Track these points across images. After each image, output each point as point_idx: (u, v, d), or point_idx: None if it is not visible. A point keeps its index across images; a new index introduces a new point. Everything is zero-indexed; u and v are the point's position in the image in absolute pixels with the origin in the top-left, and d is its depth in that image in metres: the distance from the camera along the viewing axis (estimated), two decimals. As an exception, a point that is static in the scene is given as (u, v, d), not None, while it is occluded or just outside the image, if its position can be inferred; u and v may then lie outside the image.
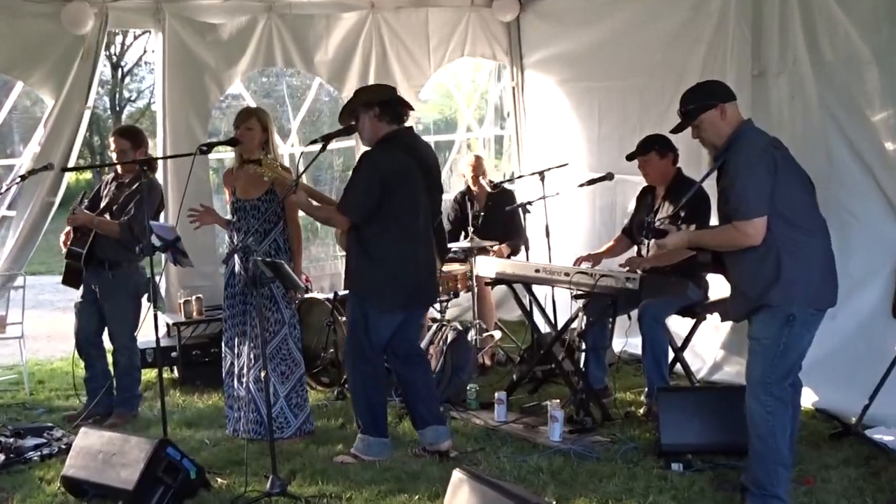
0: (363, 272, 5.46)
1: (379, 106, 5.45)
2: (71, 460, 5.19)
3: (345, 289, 5.95)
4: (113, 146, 6.50)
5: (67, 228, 6.53)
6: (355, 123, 5.51)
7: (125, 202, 6.37)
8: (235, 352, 6.09)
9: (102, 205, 6.51)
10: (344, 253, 5.86)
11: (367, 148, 5.56)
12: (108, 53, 24.69)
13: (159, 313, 5.75)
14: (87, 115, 7.54)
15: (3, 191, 7.14)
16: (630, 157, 6.49)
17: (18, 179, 6.89)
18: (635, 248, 6.75)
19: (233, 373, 6.10)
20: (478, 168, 8.25)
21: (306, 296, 7.26)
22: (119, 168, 6.55)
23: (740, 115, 4.67)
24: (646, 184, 6.66)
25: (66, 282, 6.59)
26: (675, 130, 4.82)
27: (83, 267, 6.42)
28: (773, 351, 4.50)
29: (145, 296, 6.50)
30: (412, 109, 5.66)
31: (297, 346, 6.07)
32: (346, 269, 5.63)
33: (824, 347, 6.03)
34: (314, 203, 5.63)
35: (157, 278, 5.58)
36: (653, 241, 4.82)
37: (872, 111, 5.87)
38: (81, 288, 6.56)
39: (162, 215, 7.70)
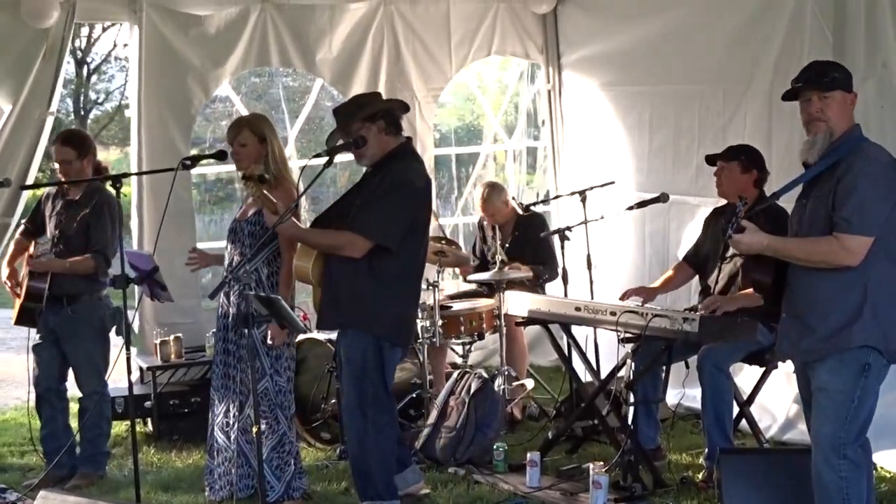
0: (376, 303, 5.54)
1: (384, 118, 5.60)
2: (28, 529, 5.21)
3: (324, 328, 6.03)
4: (55, 156, 6.45)
5: (7, 271, 6.55)
6: (354, 140, 5.57)
7: (83, 225, 6.37)
8: (217, 398, 6.10)
9: (52, 229, 6.47)
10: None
11: (366, 167, 5.72)
12: (72, 48, 24.83)
13: (133, 354, 5.75)
14: (49, 121, 7.59)
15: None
16: (710, 159, 6.49)
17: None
18: (696, 278, 6.78)
19: (215, 421, 6.12)
20: (486, 206, 8.15)
21: (303, 336, 7.26)
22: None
23: None
24: (706, 207, 6.64)
25: (20, 321, 6.53)
26: (795, 92, 4.65)
27: (38, 305, 6.36)
28: (847, 406, 4.47)
29: (113, 329, 6.51)
30: (408, 111, 5.92)
31: (276, 402, 5.92)
32: (341, 302, 5.58)
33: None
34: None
35: (129, 314, 5.59)
36: (731, 237, 4.72)
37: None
38: (39, 328, 6.51)
39: (134, 238, 7.80)
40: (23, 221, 6.69)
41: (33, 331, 6.55)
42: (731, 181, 6.35)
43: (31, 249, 6.49)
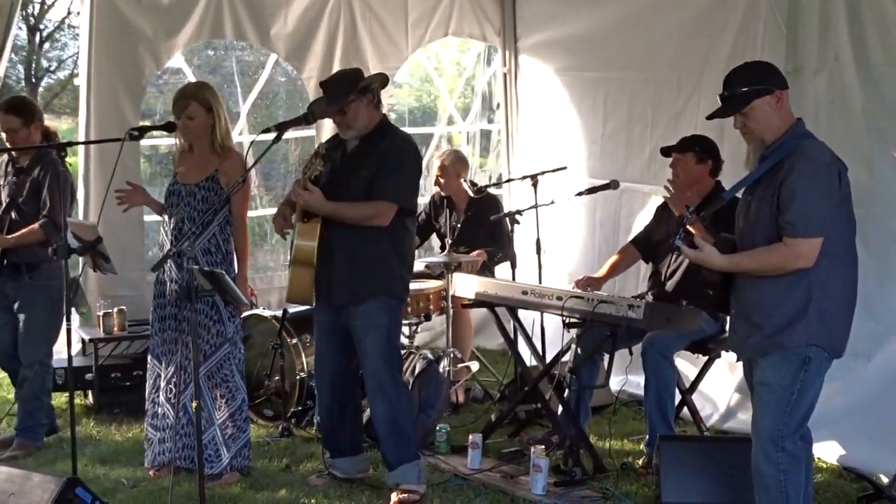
0: (395, 266, 5.78)
1: (372, 92, 5.78)
2: (-39, 500, 5.17)
3: (340, 301, 5.75)
4: (0, 125, 6.41)
5: None
6: (344, 111, 5.68)
7: (33, 192, 6.34)
8: (163, 364, 6.09)
9: (4, 198, 6.46)
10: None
11: (351, 139, 5.78)
12: (23, 14, 24.52)
13: (75, 325, 5.74)
14: (-4, 86, 7.52)
15: None
16: (665, 151, 6.51)
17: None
18: (635, 267, 6.85)
19: (159, 387, 6.11)
20: (443, 170, 8.22)
21: (250, 312, 7.26)
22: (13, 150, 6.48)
23: (791, 111, 4.65)
24: (657, 195, 6.69)
25: None
26: (720, 115, 4.69)
27: None
28: (786, 399, 4.53)
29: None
30: (387, 84, 6.04)
31: (238, 369, 6.08)
32: (362, 272, 5.67)
33: (855, 395, 6.16)
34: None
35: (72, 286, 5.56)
36: (680, 246, 4.72)
37: (924, 122, 5.99)
38: None
39: (80, 209, 7.74)
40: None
41: None
42: (687, 172, 6.36)
43: None
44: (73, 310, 7.58)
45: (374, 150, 5.70)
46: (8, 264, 6.36)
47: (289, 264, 5.78)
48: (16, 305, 6.49)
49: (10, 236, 6.30)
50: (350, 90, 5.67)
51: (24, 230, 6.30)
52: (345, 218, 5.63)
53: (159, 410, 6.11)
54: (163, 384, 6.08)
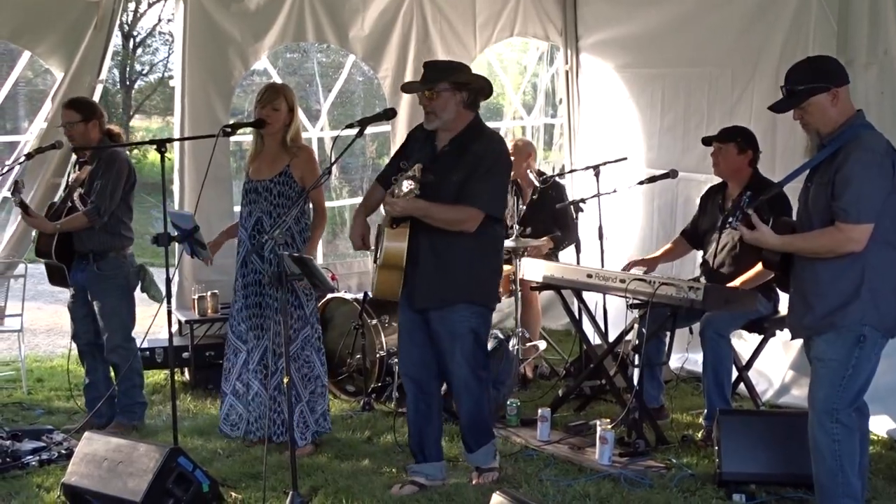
0: (482, 273, 5.43)
1: (470, 91, 5.34)
2: (73, 467, 5.25)
3: (426, 305, 5.42)
4: (62, 119, 6.44)
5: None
6: (431, 96, 5.30)
7: (90, 180, 6.36)
8: (250, 347, 6.13)
9: (63, 189, 6.53)
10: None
11: (434, 128, 5.37)
12: (119, 22, 24.87)
13: (173, 308, 5.80)
14: (99, 89, 7.60)
15: (4, 171, 7.10)
16: (706, 141, 6.48)
17: (23, 158, 6.83)
18: (693, 252, 6.80)
19: (248, 368, 6.14)
20: (514, 152, 7.86)
21: (333, 295, 7.31)
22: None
23: (852, 102, 4.59)
24: (713, 183, 6.65)
25: (52, 281, 6.60)
26: (778, 109, 4.63)
27: (62, 264, 6.41)
28: (841, 374, 4.49)
29: (138, 287, 6.59)
30: (490, 95, 5.53)
31: (315, 348, 6.14)
32: (450, 278, 5.33)
33: (904, 372, 6.06)
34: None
35: (170, 271, 5.59)
36: (737, 227, 4.66)
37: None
38: (71, 286, 6.56)
39: (176, 200, 7.82)
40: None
41: (70, 292, 6.63)
42: (728, 163, 6.35)
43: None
44: (160, 293, 7.65)
45: (465, 153, 5.29)
46: (76, 253, 6.39)
47: (376, 266, 5.45)
48: (89, 295, 6.51)
49: (56, 222, 6.31)
50: (444, 77, 5.29)
51: (69, 217, 6.32)
52: (436, 220, 5.23)
53: (240, 387, 6.15)
54: (253, 365, 6.12)
